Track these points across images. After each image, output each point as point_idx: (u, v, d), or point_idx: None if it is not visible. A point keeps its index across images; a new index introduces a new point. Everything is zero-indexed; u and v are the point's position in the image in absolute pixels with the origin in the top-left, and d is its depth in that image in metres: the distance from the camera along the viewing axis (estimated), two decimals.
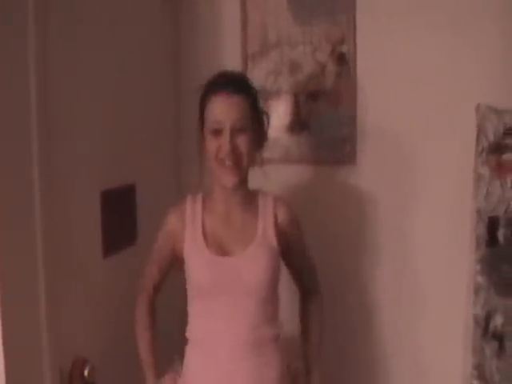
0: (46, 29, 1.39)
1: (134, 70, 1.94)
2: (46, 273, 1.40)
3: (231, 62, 2.16)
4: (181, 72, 2.28)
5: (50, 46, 1.42)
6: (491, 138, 2.03)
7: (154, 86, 2.12)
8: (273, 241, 1.63)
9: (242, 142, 1.55)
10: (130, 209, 1.90)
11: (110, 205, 1.74)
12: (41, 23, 1.37)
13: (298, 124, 2.18)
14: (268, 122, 1.70)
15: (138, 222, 1.94)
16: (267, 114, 1.70)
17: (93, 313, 1.66)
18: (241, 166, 1.57)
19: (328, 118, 2.17)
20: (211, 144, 1.57)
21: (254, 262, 1.58)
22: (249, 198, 1.67)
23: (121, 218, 1.84)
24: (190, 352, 1.65)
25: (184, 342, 1.68)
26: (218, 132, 1.55)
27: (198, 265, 1.60)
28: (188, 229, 1.64)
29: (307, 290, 1.83)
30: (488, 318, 2.02)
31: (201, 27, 2.25)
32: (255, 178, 1.69)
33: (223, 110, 1.55)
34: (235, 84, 1.58)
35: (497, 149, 2.03)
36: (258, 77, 2.08)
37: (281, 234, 1.65)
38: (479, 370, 2.03)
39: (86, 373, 1.47)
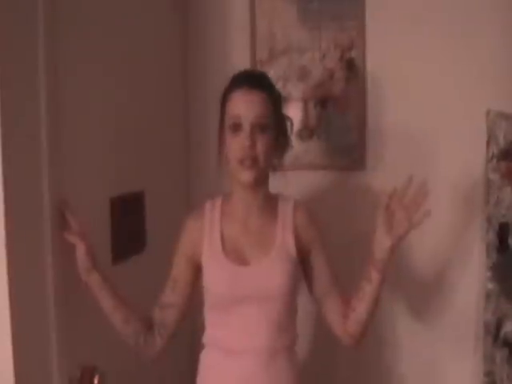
0: (55, 37, 1.40)
1: (144, 78, 1.94)
2: (55, 280, 1.41)
3: (240, 67, 2.15)
4: (190, 79, 2.29)
5: (60, 55, 1.43)
6: (501, 143, 2.02)
7: (164, 93, 2.12)
8: (292, 249, 1.59)
9: (261, 140, 1.51)
10: (139, 216, 1.90)
11: (119, 212, 1.75)
12: (50, 32, 1.38)
13: (308, 130, 2.18)
14: (292, 128, 1.68)
15: (147, 229, 1.94)
16: (291, 119, 1.68)
17: (102, 321, 1.66)
18: (258, 164, 1.52)
19: (337, 124, 2.17)
20: (231, 143, 1.54)
21: (272, 271, 1.56)
22: (268, 201, 1.63)
23: (130, 225, 1.84)
24: (207, 354, 1.65)
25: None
26: (237, 127, 1.52)
27: (217, 275, 1.58)
28: (206, 236, 1.61)
29: (328, 291, 1.67)
30: (499, 324, 2.01)
31: (209, 34, 2.26)
32: (275, 184, 1.68)
33: (243, 104, 1.52)
34: (257, 80, 1.57)
35: (507, 154, 2.02)
36: None
37: (299, 239, 1.61)
38: (490, 377, 2.01)
39: (95, 381, 1.46)
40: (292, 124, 1.69)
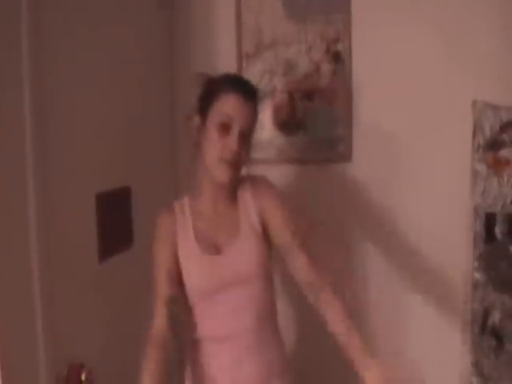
0: (39, 35, 1.39)
1: (129, 71, 1.93)
2: (41, 277, 1.40)
3: (226, 62, 2.17)
4: (176, 74, 2.28)
5: (45, 52, 1.42)
6: (488, 134, 2.03)
7: (150, 87, 2.11)
8: (258, 227, 1.64)
9: (245, 146, 1.59)
10: (125, 212, 1.89)
11: (105, 207, 1.74)
12: (35, 29, 1.37)
13: (294, 123, 2.18)
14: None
15: (133, 225, 1.93)
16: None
17: (89, 317, 1.66)
18: (238, 166, 1.60)
19: (323, 117, 2.16)
20: (216, 140, 1.57)
21: (243, 253, 1.60)
22: (233, 191, 1.69)
23: (116, 221, 1.83)
24: (196, 346, 1.66)
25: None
26: (225, 127, 1.56)
27: (195, 268, 1.61)
28: (180, 234, 1.65)
29: (306, 280, 1.57)
30: (486, 314, 2.03)
31: (195, 28, 2.25)
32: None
33: (239, 109, 1.57)
34: (253, 91, 1.63)
35: (493, 145, 2.03)
36: (253, 76, 2.06)
37: (262, 213, 1.65)
38: (477, 366, 2.03)
39: (83, 377, 1.47)
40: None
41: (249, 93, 1.60)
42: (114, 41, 1.83)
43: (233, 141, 1.56)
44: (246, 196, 1.67)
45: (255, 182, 1.70)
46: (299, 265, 1.57)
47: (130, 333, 1.76)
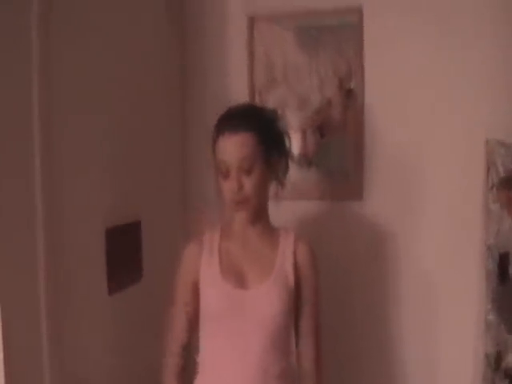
0: (49, 56, 1.42)
1: (140, 106, 1.94)
2: (50, 309, 1.41)
3: (239, 96, 2.16)
4: (188, 108, 2.29)
5: (53, 79, 1.44)
6: (501, 172, 2.01)
7: (161, 121, 2.12)
8: (290, 278, 1.61)
9: (249, 182, 1.54)
10: (135, 245, 1.89)
11: (115, 242, 1.74)
12: (45, 50, 1.40)
13: (306, 158, 2.17)
14: (290, 145, 1.68)
15: (143, 258, 1.93)
16: (288, 136, 1.68)
17: (98, 350, 1.65)
18: (249, 204, 1.56)
19: (335, 152, 2.16)
20: (222, 185, 1.58)
21: (269, 297, 1.57)
22: (268, 232, 1.66)
23: (126, 255, 1.83)
24: (200, 378, 1.64)
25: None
26: (225, 172, 1.55)
27: (213, 296, 1.59)
28: (205, 256, 1.62)
29: (303, 332, 1.70)
30: (499, 356, 1.99)
31: (208, 63, 2.26)
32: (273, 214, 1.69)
33: (228, 150, 1.54)
34: (239, 121, 1.55)
35: (507, 184, 2.01)
36: None
37: (297, 273, 1.63)
38: None
39: None
40: (290, 142, 1.69)
41: (235, 124, 1.54)
42: (126, 72, 1.85)
43: (231, 181, 1.54)
44: (288, 247, 1.64)
45: (301, 241, 1.67)
46: (305, 321, 1.66)
47: (140, 365, 1.74)
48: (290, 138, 1.69)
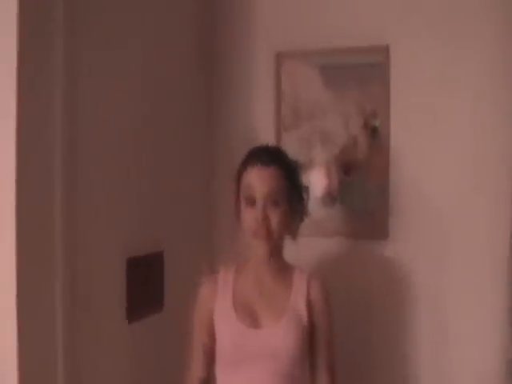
0: (75, 90, 1.48)
1: (168, 141, 2.00)
2: (67, 337, 1.43)
3: (265, 133, 2.21)
4: (214, 144, 2.34)
5: (78, 105, 1.50)
6: None
7: (187, 157, 2.17)
8: (304, 316, 1.63)
9: (274, 214, 1.59)
10: (156, 275, 1.92)
11: (136, 272, 1.77)
12: (71, 84, 1.47)
13: (330, 196, 2.18)
14: (307, 197, 1.74)
15: (165, 289, 1.95)
16: (307, 188, 1.75)
17: (115, 378, 1.66)
18: (271, 236, 1.59)
19: (360, 191, 2.16)
20: (246, 215, 1.61)
21: (283, 337, 1.58)
22: (283, 269, 1.69)
23: (147, 285, 1.86)
24: None
25: None
26: (251, 201, 1.59)
27: (227, 335, 1.61)
28: (219, 297, 1.66)
29: (318, 368, 1.72)
30: None
31: (234, 100, 2.32)
32: (289, 250, 1.71)
33: (257, 180, 1.59)
34: (270, 156, 1.62)
35: None
36: (291, 148, 2.05)
37: (311, 310, 1.65)
38: None
39: None
40: (308, 194, 1.75)
41: (266, 159, 1.60)
42: (154, 106, 1.91)
43: (257, 211, 1.58)
44: (302, 285, 1.67)
45: (315, 279, 1.69)
46: (320, 357, 1.68)
47: None
48: (308, 190, 1.76)
